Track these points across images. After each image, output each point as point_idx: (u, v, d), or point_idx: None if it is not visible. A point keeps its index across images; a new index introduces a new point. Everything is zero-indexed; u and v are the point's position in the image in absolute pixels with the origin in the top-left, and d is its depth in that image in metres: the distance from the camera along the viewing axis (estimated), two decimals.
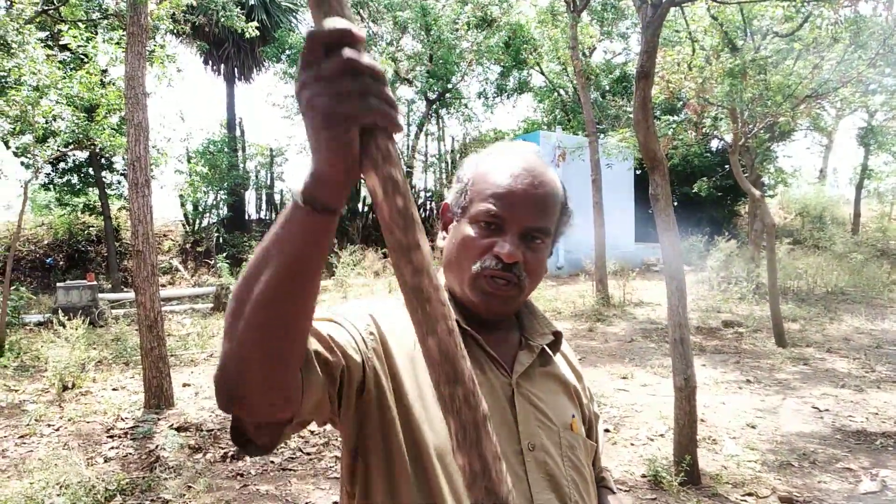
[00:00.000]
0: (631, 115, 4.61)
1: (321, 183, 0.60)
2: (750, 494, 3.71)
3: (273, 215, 17.22)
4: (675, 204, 4.31)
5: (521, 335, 1.03)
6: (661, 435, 4.68)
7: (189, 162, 15.79)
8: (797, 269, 11.47)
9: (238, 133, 17.49)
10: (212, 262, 13.90)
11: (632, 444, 4.54)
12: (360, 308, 0.93)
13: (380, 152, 0.58)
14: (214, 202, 16.29)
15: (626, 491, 3.77)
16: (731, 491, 3.74)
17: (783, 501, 3.62)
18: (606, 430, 4.80)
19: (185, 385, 6.03)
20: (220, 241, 15.12)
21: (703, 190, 12.28)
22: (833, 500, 3.61)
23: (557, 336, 1.05)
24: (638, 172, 16.43)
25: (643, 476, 3.97)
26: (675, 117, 9.65)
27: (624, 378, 6.34)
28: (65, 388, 5.74)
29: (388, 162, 0.58)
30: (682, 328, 3.87)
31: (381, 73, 0.57)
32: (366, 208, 17.47)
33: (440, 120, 20.25)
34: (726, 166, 15.95)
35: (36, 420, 4.98)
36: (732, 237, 12.50)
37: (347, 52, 0.56)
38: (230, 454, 4.29)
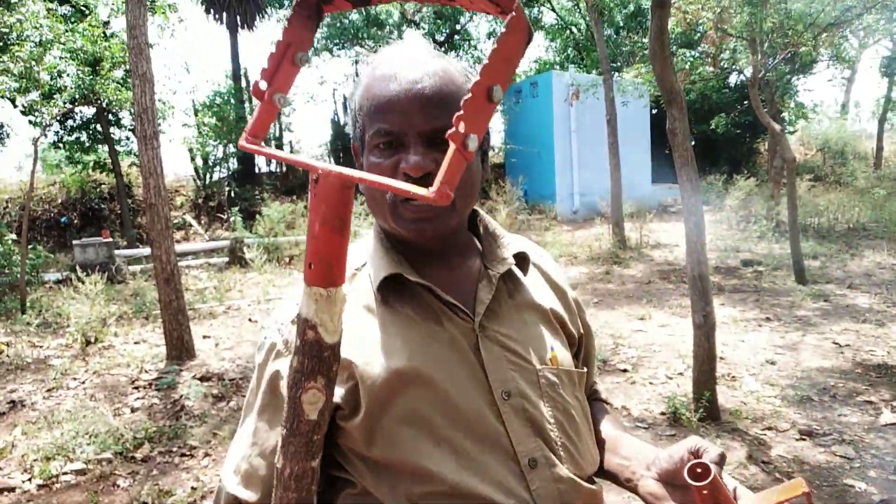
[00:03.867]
0: (646, 51, 4.41)
1: None
2: (769, 429, 3.71)
3: (283, 168, 17.05)
4: (693, 143, 4.17)
5: (482, 263, 0.92)
6: (680, 374, 4.68)
7: (196, 115, 15.63)
8: (818, 205, 11.23)
9: (244, 84, 17.17)
10: (224, 217, 13.89)
11: (650, 384, 4.55)
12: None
13: None
14: (224, 155, 16.17)
15: (644, 428, 3.79)
16: (751, 426, 3.75)
17: (803, 434, 3.62)
18: (624, 370, 4.81)
19: (205, 337, 6.11)
20: (232, 194, 15.08)
21: (721, 126, 11.97)
22: (853, 433, 3.61)
23: (518, 257, 0.93)
24: (654, 112, 16.00)
25: (662, 413, 3.98)
26: (693, 51, 9.31)
27: (641, 319, 6.31)
28: (87, 343, 5.84)
29: None
30: (701, 264, 3.80)
31: None
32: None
33: None
34: (745, 102, 15.50)
35: (62, 374, 5.08)
36: (751, 175, 12.20)
37: None
38: None
